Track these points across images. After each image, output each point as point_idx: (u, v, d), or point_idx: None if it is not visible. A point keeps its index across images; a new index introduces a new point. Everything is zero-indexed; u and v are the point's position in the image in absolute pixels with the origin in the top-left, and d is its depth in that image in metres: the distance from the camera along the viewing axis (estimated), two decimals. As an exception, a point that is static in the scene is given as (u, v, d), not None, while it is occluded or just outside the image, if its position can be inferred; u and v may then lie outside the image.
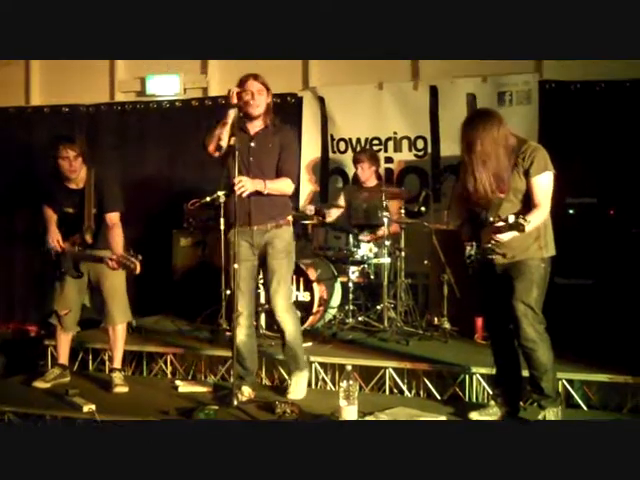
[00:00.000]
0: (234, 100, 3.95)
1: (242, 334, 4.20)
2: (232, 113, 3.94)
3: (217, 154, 4.02)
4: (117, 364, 4.73)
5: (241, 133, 4.05)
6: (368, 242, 5.46)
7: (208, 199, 5.52)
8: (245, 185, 3.93)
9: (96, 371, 5.22)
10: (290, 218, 4.26)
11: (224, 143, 3.96)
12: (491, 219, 3.50)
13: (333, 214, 6.00)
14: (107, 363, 5.13)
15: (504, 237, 3.43)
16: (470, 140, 3.56)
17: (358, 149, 6.42)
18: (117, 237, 4.54)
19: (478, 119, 3.61)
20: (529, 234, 3.54)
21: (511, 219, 3.32)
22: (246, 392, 4.26)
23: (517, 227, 3.28)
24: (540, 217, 3.55)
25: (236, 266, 4.00)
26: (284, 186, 4.13)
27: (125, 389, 4.57)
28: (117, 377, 4.65)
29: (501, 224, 3.37)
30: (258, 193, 4.05)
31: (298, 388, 4.32)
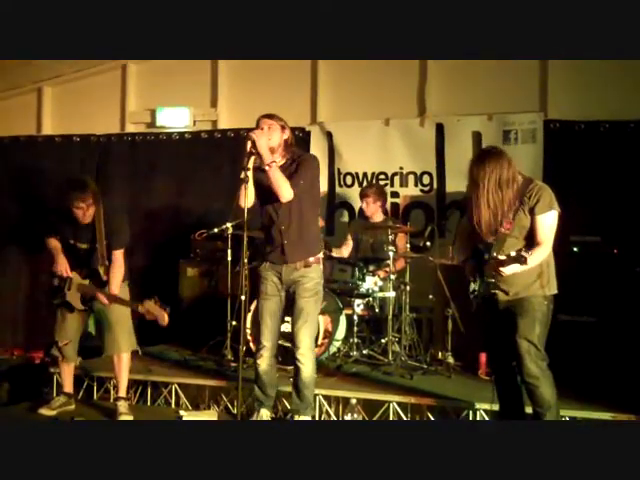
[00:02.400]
0: (251, 148, 3.90)
1: (265, 364, 4.27)
2: (249, 168, 3.89)
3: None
4: (122, 392, 4.75)
5: (262, 173, 4.04)
6: (382, 279, 5.52)
7: (216, 230, 5.60)
8: (260, 137, 3.91)
9: (101, 399, 5.23)
10: (321, 255, 4.29)
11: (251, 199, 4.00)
12: (494, 254, 3.56)
13: (344, 251, 6.09)
14: (112, 391, 5.15)
15: (507, 270, 3.47)
16: (478, 177, 3.62)
17: (365, 183, 6.50)
18: (118, 274, 4.65)
19: (488, 157, 3.67)
20: (531, 272, 3.59)
21: (513, 253, 3.38)
22: (264, 415, 4.34)
23: (519, 259, 3.32)
24: (542, 255, 3.59)
25: (243, 297, 3.98)
26: (284, 185, 3.98)
27: (130, 418, 4.59)
28: (122, 406, 4.66)
29: (503, 257, 3.42)
30: (288, 231, 4.10)
31: None
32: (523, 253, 3.30)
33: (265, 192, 4.08)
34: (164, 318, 4.33)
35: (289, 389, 4.43)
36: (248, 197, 3.94)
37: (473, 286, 3.78)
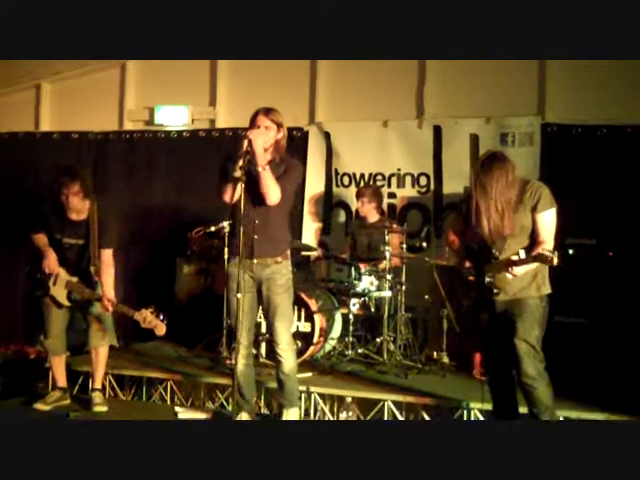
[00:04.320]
0: (247, 147, 3.91)
1: (240, 364, 4.21)
2: (244, 167, 3.88)
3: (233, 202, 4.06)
4: (98, 384, 4.82)
5: (250, 166, 4.04)
6: (378, 277, 5.54)
7: (213, 228, 5.61)
8: (257, 137, 3.94)
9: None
10: (288, 252, 4.29)
11: (237, 195, 3.97)
12: (496, 253, 3.63)
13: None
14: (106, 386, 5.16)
15: (520, 270, 3.56)
16: (485, 183, 3.64)
17: (362, 184, 6.52)
18: (110, 276, 4.66)
19: (494, 164, 3.68)
20: (527, 272, 3.63)
21: (522, 254, 3.47)
22: (245, 418, 4.31)
23: (544, 259, 3.38)
24: None
25: (239, 295, 4.00)
26: (274, 189, 4.02)
27: (104, 408, 4.66)
28: (97, 396, 4.75)
29: (516, 258, 3.50)
30: (263, 226, 4.10)
31: None
32: (546, 253, 3.34)
33: (250, 190, 4.01)
34: (162, 329, 4.38)
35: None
36: (235, 194, 3.97)
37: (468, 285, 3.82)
